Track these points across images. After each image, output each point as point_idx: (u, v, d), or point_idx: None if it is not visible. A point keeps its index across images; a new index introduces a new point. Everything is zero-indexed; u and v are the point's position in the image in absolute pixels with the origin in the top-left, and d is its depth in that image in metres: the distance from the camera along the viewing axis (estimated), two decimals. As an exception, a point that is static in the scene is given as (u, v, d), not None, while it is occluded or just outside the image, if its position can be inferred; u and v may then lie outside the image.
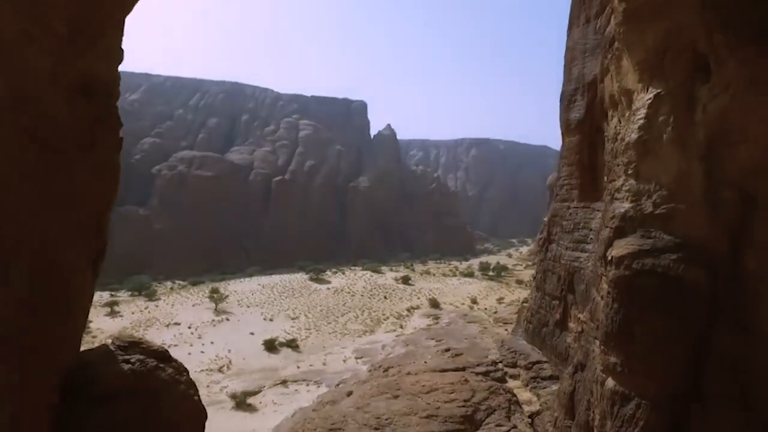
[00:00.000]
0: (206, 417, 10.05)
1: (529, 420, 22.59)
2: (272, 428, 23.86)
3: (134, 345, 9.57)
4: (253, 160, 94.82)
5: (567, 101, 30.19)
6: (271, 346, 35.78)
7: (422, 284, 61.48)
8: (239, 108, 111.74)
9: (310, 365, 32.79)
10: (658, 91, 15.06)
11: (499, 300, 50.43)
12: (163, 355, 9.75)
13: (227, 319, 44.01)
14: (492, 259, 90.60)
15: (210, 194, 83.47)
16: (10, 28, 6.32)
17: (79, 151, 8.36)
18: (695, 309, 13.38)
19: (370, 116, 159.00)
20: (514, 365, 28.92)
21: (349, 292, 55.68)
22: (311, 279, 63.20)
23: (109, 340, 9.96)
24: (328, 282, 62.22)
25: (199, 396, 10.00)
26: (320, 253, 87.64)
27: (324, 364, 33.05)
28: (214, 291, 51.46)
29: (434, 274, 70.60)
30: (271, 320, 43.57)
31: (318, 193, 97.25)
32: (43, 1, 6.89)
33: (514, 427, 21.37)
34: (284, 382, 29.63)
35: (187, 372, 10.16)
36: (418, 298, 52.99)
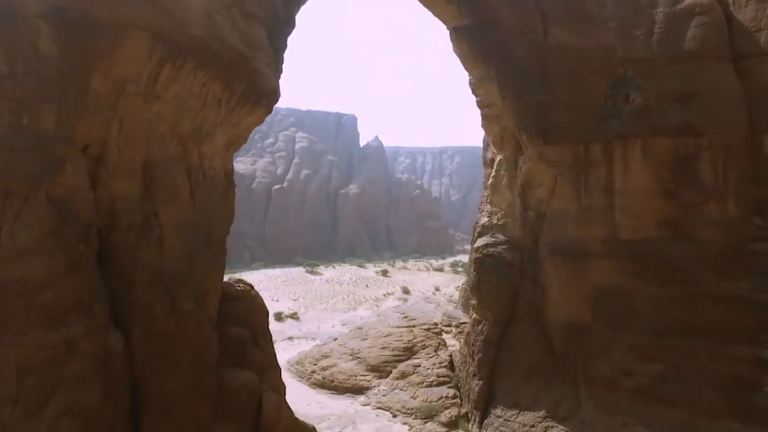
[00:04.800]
0: (268, 314, 22.58)
1: (449, 354, 35.17)
2: (285, 361, 36.32)
3: (240, 281, 22.17)
4: (255, 170, 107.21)
5: (486, 144, 42.98)
6: (279, 317, 48.27)
7: (399, 276, 74.41)
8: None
9: (308, 329, 45.45)
10: (501, 157, 28.08)
11: (457, 288, 63.11)
12: (251, 285, 22.33)
13: (242, 301, 56.59)
14: (466, 258, 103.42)
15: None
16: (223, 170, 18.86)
17: (221, 202, 20.76)
18: (512, 274, 26.29)
19: (361, 125, 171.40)
20: (449, 325, 41.56)
21: (338, 282, 68.54)
22: (307, 272, 76.08)
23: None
24: (321, 274, 75.14)
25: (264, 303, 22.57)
26: (314, 252, 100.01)
27: (318, 328, 45.74)
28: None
29: (410, 269, 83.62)
30: (277, 301, 56.07)
31: (313, 199, 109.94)
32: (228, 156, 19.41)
33: (437, 355, 34.00)
34: (290, 338, 42.25)
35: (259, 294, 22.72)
36: (393, 287, 65.84)
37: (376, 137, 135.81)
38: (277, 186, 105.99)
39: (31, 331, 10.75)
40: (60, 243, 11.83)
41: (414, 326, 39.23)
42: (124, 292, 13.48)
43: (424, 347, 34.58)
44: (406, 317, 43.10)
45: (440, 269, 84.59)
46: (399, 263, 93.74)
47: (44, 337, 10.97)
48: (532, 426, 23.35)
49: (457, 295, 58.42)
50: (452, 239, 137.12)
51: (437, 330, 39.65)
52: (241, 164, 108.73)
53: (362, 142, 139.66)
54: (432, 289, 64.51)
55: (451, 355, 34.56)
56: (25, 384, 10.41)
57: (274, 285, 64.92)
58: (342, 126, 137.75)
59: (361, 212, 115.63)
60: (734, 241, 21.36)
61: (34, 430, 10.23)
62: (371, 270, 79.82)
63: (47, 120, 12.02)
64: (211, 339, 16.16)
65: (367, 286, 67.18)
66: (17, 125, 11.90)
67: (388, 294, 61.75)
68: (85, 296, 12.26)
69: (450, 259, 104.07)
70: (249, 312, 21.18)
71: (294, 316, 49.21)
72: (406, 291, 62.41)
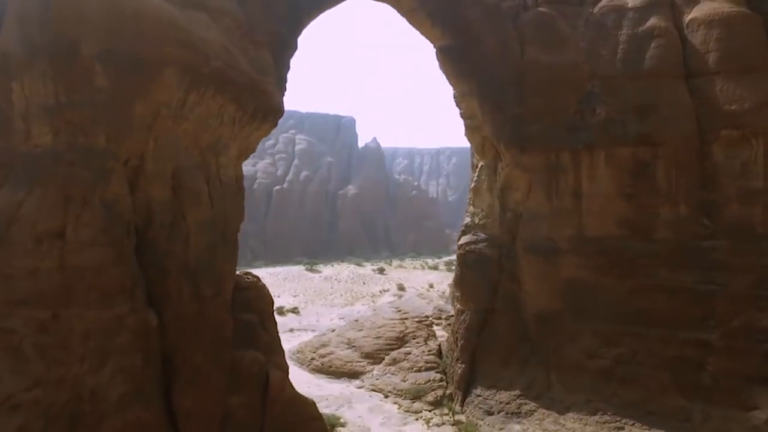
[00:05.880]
0: (273, 302, 25.42)
1: (438, 343, 38.01)
2: (287, 350, 39.16)
3: (248, 273, 25.06)
4: (256, 171, 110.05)
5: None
6: (280, 311, 51.11)
7: (395, 274, 77.52)
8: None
9: (308, 322, 48.38)
10: (483, 163, 30.91)
11: (450, 284, 66.17)
12: (257, 277, 25.21)
13: (245, 297, 59.64)
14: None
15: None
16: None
17: (233, 204, 23.59)
18: (491, 269, 29.09)
19: (359, 127, 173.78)
20: (439, 318, 44.43)
21: (336, 279, 71.61)
22: (307, 270, 79.12)
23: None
24: (321, 272, 78.21)
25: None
26: (314, 251, 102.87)
27: (317, 321, 48.67)
28: (233, 277, 67.04)
29: (406, 267, 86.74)
30: (278, 296, 58.82)
31: (312, 199, 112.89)
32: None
33: (427, 344, 36.86)
34: (291, 330, 45.16)
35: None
36: (389, 284, 68.87)
37: (374, 138, 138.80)
38: (277, 187, 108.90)
39: (91, 307, 13.65)
40: (109, 238, 14.72)
41: (406, 318, 42.06)
42: (157, 279, 16.34)
43: (414, 337, 37.43)
44: (399, 311, 45.94)
45: (435, 267, 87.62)
46: (396, 262, 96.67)
47: (101, 312, 13.87)
48: (508, 403, 26.22)
49: (449, 290, 61.36)
50: (448, 239, 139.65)
51: (428, 322, 42.50)
52: (242, 166, 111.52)
53: (361, 144, 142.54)
54: (426, 285, 67.48)
55: (439, 345, 37.39)
56: (89, 347, 13.33)
57: (275, 282, 67.75)
58: (341, 128, 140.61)
59: (359, 212, 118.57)
60: (685, 239, 24.25)
61: (97, 382, 13.15)
62: (369, 268, 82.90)
63: (99, 139, 14.92)
64: (227, 321, 19.04)
65: (364, 283, 70.22)
66: (74, 143, 14.81)
67: (384, 290, 64.70)
68: (128, 281, 15.14)
69: (446, 258, 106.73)
70: (257, 300, 24.04)
71: (295, 311, 52.12)
72: (401, 288, 65.37)
